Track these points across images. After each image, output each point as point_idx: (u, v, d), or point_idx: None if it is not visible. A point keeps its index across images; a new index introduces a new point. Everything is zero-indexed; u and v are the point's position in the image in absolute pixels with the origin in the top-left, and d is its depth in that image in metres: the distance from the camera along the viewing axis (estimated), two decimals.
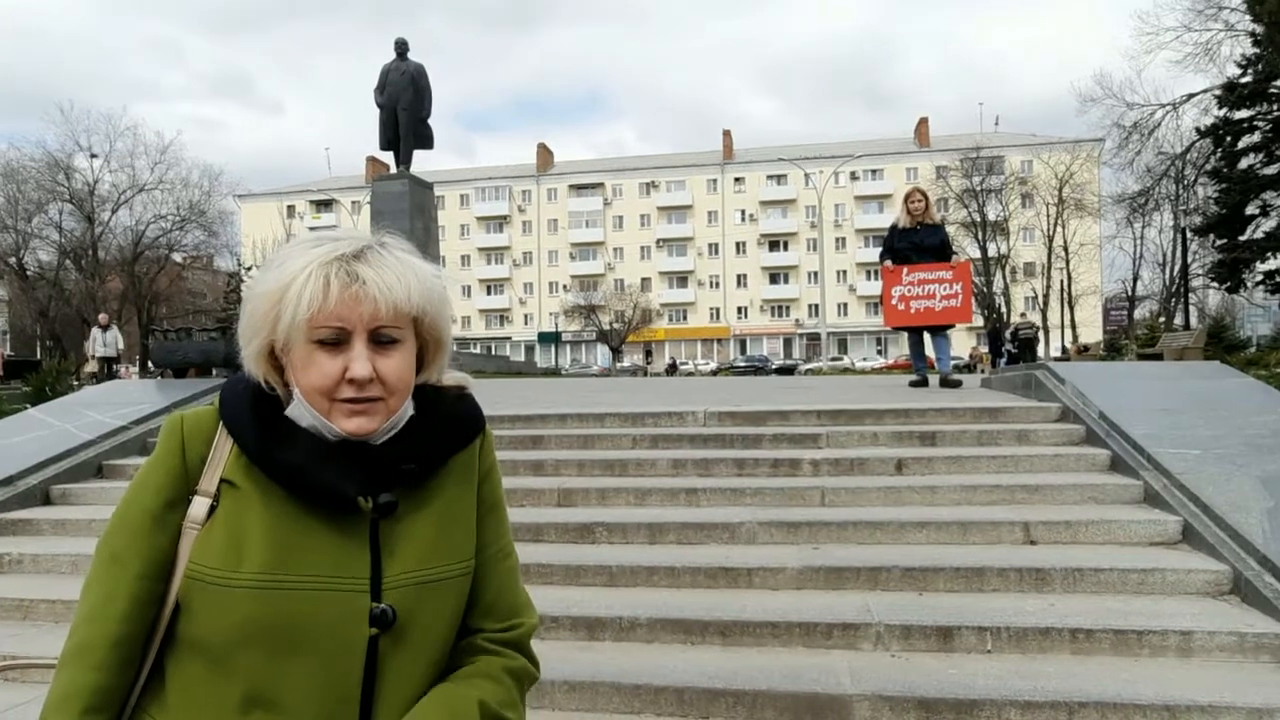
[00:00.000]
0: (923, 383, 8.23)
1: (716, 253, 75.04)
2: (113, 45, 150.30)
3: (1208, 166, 30.46)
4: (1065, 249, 45.91)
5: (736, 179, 75.35)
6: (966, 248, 42.66)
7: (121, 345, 19.95)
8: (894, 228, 8.48)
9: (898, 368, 36.37)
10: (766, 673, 2.93)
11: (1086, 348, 34.18)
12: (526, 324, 76.89)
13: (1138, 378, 6.58)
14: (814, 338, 61.89)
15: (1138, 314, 42.76)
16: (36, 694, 2.87)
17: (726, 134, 77.37)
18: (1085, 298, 47.80)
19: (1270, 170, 27.67)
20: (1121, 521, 3.90)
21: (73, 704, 0.98)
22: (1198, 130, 29.43)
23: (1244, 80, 27.09)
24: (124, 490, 1.08)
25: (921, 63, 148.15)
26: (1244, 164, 28.60)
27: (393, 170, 15.89)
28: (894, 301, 8.19)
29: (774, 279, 74.45)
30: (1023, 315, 37.06)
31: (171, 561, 1.02)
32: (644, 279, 73.35)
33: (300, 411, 1.03)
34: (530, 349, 70.67)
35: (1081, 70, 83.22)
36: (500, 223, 78.58)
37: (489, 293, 78.48)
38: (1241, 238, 28.90)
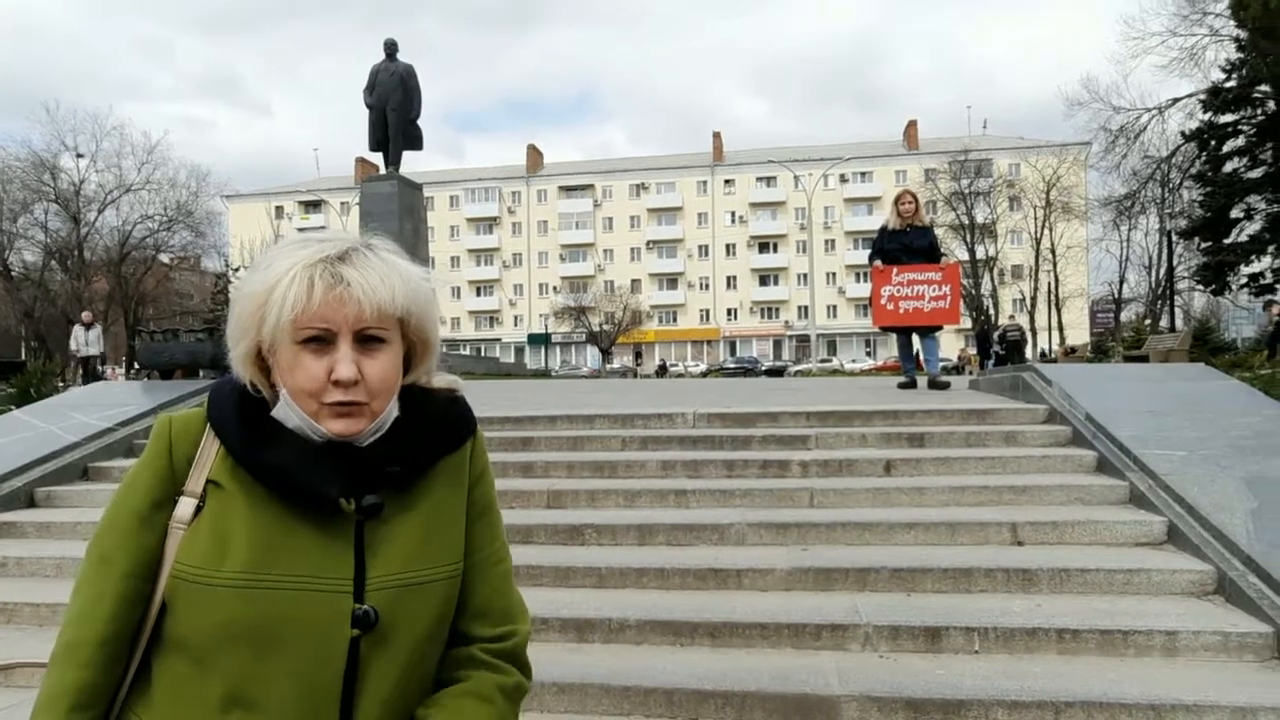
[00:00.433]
0: (911, 384, 8.26)
1: (706, 254, 75.17)
2: (100, 46, 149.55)
3: (1193, 170, 30.77)
4: (1052, 251, 46.28)
5: (726, 181, 75.53)
6: (955, 250, 42.85)
7: (103, 345, 19.81)
8: (884, 229, 8.54)
9: (887, 369, 36.56)
10: (755, 674, 2.93)
11: (1074, 349, 34.37)
12: (516, 325, 76.81)
13: (1124, 380, 6.62)
14: (803, 339, 62.04)
15: (1124, 316, 43.15)
16: (24, 698, 2.84)
17: (716, 136, 77.57)
18: (1072, 300, 48.09)
19: (1254, 174, 27.94)
20: (1108, 522, 3.93)
21: (61, 702, 0.99)
22: (1183, 134, 29.73)
23: (1228, 85, 27.39)
24: (110, 493, 1.09)
25: (913, 64, 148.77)
26: (1228, 168, 28.91)
27: (382, 171, 15.86)
28: (883, 301, 8.23)
29: (764, 281, 74.66)
30: (1010, 317, 37.25)
31: (158, 561, 1.02)
32: (634, 280, 73.47)
33: (286, 413, 1.03)
34: (520, 350, 70.62)
35: (1077, 72, 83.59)
36: (490, 224, 78.50)
37: (478, 294, 78.37)
38: (1226, 241, 29.20)
